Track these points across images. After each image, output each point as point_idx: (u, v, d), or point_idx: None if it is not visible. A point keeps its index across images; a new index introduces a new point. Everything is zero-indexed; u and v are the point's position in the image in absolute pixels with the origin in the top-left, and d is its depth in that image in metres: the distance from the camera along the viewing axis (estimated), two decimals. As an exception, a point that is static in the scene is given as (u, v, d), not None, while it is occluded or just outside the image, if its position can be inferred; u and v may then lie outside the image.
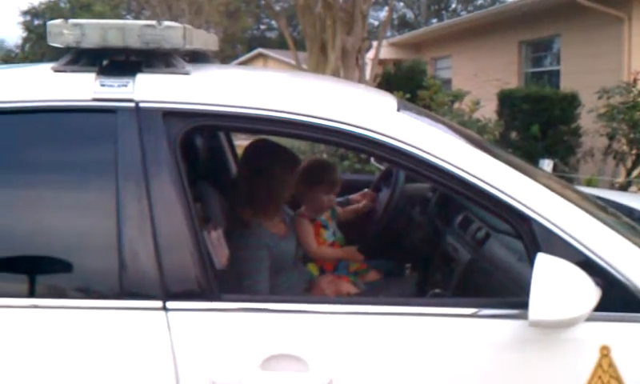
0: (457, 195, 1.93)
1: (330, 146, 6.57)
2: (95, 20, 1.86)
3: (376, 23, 29.58)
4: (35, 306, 1.77)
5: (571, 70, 11.26)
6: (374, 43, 12.48)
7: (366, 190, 3.55)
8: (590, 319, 1.68)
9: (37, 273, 1.84)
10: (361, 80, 10.71)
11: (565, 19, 11.23)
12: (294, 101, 1.89)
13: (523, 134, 9.51)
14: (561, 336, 1.72)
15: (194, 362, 1.71)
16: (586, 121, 9.07)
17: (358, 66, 11.14)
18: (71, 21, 1.82)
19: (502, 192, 1.80)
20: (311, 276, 2.85)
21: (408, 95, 7.69)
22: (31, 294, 1.81)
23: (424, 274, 2.94)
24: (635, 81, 8.38)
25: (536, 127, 9.24)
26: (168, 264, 1.75)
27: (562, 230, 1.77)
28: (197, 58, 2.30)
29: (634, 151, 8.25)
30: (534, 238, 1.77)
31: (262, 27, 41.37)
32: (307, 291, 2.70)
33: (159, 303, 1.74)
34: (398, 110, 1.99)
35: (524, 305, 1.66)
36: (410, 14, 41.60)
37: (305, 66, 11.78)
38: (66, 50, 1.90)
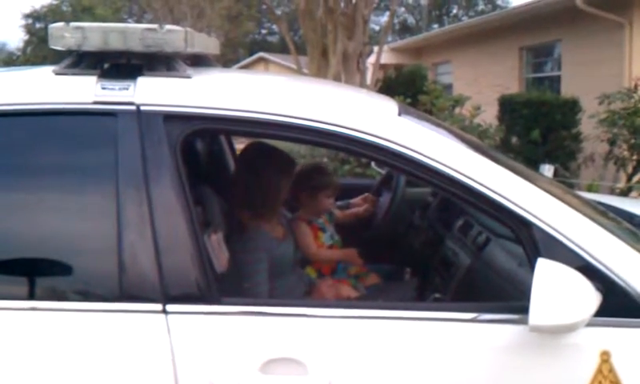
0: (457, 200, 1.93)
1: (330, 149, 6.58)
2: (97, 23, 1.86)
3: (377, 28, 29.64)
4: (34, 309, 1.77)
5: (572, 75, 11.27)
6: (375, 48, 12.49)
7: (366, 194, 3.55)
8: (590, 324, 1.68)
9: (36, 275, 1.84)
10: (362, 84, 10.72)
11: (566, 25, 11.24)
12: (295, 105, 1.90)
13: (524, 139, 9.51)
14: (561, 341, 1.71)
15: (194, 365, 1.71)
16: (587, 126, 9.07)
17: (359, 71, 11.14)
18: (73, 24, 1.83)
19: (503, 197, 1.80)
20: (310, 279, 2.85)
21: (409, 100, 7.69)
22: (31, 296, 1.81)
23: (424, 279, 2.94)
24: (636, 86, 8.39)
25: (537, 132, 9.24)
26: (168, 267, 1.75)
27: (563, 235, 1.76)
28: (198, 61, 2.30)
29: (634, 157, 8.25)
30: (534, 242, 1.77)
31: (264, 31, 41.44)
32: (307, 295, 2.70)
33: (159, 306, 1.74)
34: (399, 115, 1.99)
35: (524, 310, 1.65)
36: (411, 19, 41.67)
37: (306, 71, 11.78)
38: (68, 53, 1.90)
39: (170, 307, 1.74)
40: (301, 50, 13.77)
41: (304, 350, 1.72)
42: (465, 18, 33.48)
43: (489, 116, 9.44)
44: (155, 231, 1.76)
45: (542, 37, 12.31)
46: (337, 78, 10.42)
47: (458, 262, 2.67)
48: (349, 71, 10.87)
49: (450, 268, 2.70)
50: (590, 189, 7.41)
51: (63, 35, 1.82)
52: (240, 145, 3.12)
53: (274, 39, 39.36)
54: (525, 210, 1.78)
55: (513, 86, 12.77)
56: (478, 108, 8.57)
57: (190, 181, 1.85)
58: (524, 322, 1.67)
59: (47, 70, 1.95)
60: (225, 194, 2.67)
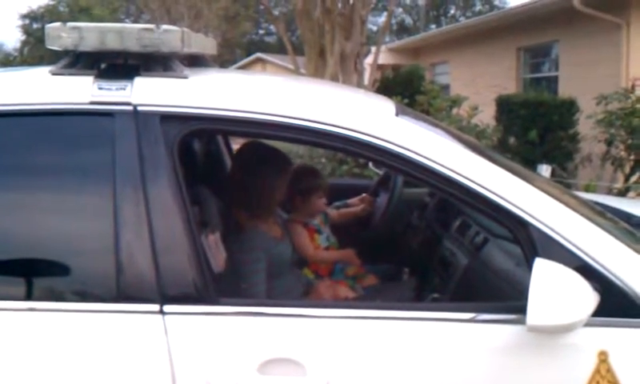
0: (455, 200, 1.93)
1: (328, 150, 6.58)
2: (93, 23, 1.86)
3: (375, 28, 29.63)
4: (32, 309, 1.76)
5: (569, 75, 11.28)
6: (373, 48, 12.49)
7: (364, 194, 3.55)
8: (588, 324, 1.68)
9: (34, 276, 1.83)
10: (359, 85, 10.71)
11: (563, 25, 11.26)
12: (292, 105, 1.89)
13: (521, 139, 9.52)
14: (559, 341, 1.71)
15: (191, 365, 1.71)
16: (584, 127, 9.09)
17: (357, 71, 11.14)
18: (69, 24, 1.82)
19: (500, 197, 1.80)
20: (308, 280, 2.85)
21: (406, 100, 7.69)
22: (28, 296, 1.81)
23: (422, 279, 2.94)
24: (633, 87, 8.42)
25: (534, 133, 9.25)
26: (165, 267, 1.75)
27: (561, 235, 1.76)
28: (195, 61, 2.29)
29: (632, 157, 8.26)
30: (532, 242, 1.77)
31: (261, 32, 41.44)
32: (305, 295, 2.69)
33: (156, 307, 1.73)
34: (397, 115, 1.99)
35: (522, 310, 1.65)
36: (408, 20, 41.71)
37: (303, 71, 11.78)
38: (65, 53, 1.90)
39: (167, 308, 1.73)
40: (298, 50, 13.77)
41: (302, 350, 1.72)
42: (462, 19, 33.51)
43: (486, 116, 9.45)
44: (152, 231, 1.75)
45: (540, 37, 12.33)
46: (334, 79, 10.42)
47: (455, 262, 2.67)
48: (346, 72, 10.87)
49: (447, 268, 2.70)
50: (587, 189, 7.42)
51: (60, 35, 1.82)
52: (237, 145, 3.12)
53: (271, 40, 39.35)
54: (522, 210, 1.78)
55: (510, 86, 12.79)
56: (475, 108, 8.58)
57: (187, 181, 1.85)
58: (522, 322, 1.67)
59: (44, 71, 1.94)
60: (222, 194, 2.66)
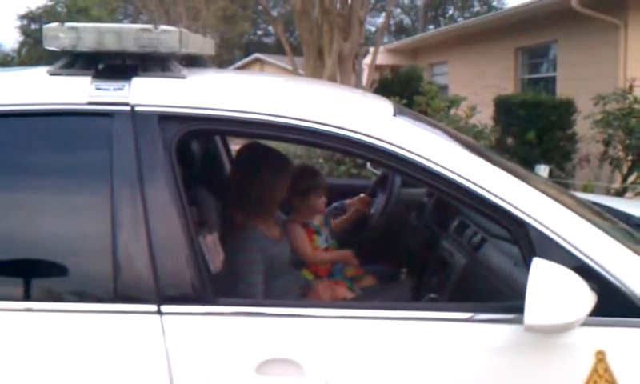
0: (453, 200, 1.93)
1: (326, 150, 6.58)
2: (91, 24, 1.86)
3: (373, 29, 29.64)
4: (29, 310, 1.76)
5: (567, 76, 11.29)
6: (371, 49, 12.50)
7: (362, 194, 3.55)
8: (585, 324, 1.68)
9: (31, 276, 1.83)
10: (357, 85, 10.72)
11: (561, 26, 11.27)
12: (290, 105, 1.89)
13: (519, 139, 9.53)
14: (556, 341, 1.72)
15: (189, 365, 1.71)
16: (582, 127, 9.09)
17: (355, 72, 11.15)
18: (67, 24, 1.82)
19: (498, 197, 1.80)
20: (306, 281, 2.85)
21: (405, 101, 7.69)
22: (25, 297, 1.80)
23: (420, 279, 2.94)
24: (631, 87, 8.41)
25: (532, 133, 9.26)
26: (163, 268, 1.75)
27: (558, 235, 1.77)
28: (193, 62, 2.29)
29: (629, 157, 8.27)
30: (529, 242, 1.77)
31: (259, 32, 41.42)
32: (303, 296, 2.69)
33: (154, 307, 1.73)
34: (395, 115, 1.99)
35: (519, 309, 1.66)
36: (407, 20, 41.73)
37: (302, 72, 11.78)
38: (62, 53, 1.90)
39: (164, 308, 1.73)
40: (296, 51, 13.78)
41: (300, 350, 1.72)
42: (460, 19, 33.54)
43: (484, 117, 9.45)
44: (150, 232, 1.75)
45: (538, 38, 12.33)
46: (332, 79, 10.42)
47: (453, 262, 2.67)
48: (344, 72, 10.87)
49: (445, 268, 2.70)
50: (585, 189, 7.43)
51: (58, 36, 1.82)
52: (236, 146, 3.12)
53: (269, 40, 39.34)
54: (520, 210, 1.79)
55: (508, 86, 12.79)
56: (473, 109, 8.58)
57: (184, 181, 1.85)
58: (519, 321, 1.67)
59: (42, 71, 1.94)
60: (220, 194, 2.66)
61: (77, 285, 1.83)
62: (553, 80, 12.00)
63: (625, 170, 8.35)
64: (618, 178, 8.47)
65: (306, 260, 2.94)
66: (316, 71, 11.06)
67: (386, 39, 22.36)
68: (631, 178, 8.25)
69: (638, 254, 1.80)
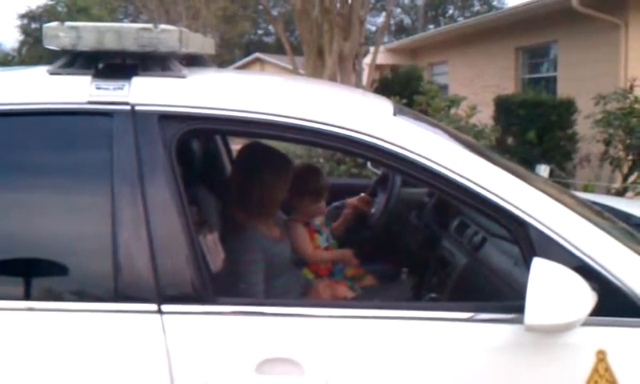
0: (453, 200, 1.93)
1: (326, 149, 6.58)
2: (91, 23, 1.85)
3: (373, 29, 29.64)
4: (31, 309, 1.76)
5: (568, 76, 11.28)
6: (372, 48, 12.49)
7: (362, 194, 3.55)
8: (586, 324, 1.68)
9: (32, 275, 1.83)
10: (358, 85, 10.71)
11: (562, 26, 11.26)
12: (290, 105, 1.89)
13: (520, 139, 9.52)
14: (557, 340, 1.71)
15: (189, 365, 1.71)
16: (583, 127, 9.09)
17: (355, 71, 11.15)
18: (67, 23, 1.82)
19: (499, 196, 1.80)
20: (307, 280, 2.85)
21: (405, 100, 7.69)
22: (27, 296, 1.80)
23: (420, 279, 2.94)
24: (632, 87, 8.41)
25: (532, 133, 9.26)
26: (163, 267, 1.75)
27: (559, 235, 1.76)
28: (193, 61, 2.29)
29: (630, 157, 8.27)
30: (530, 242, 1.77)
31: (260, 32, 41.42)
32: (304, 295, 2.69)
33: (154, 306, 1.73)
34: (395, 115, 1.99)
35: (520, 309, 1.66)
36: (407, 20, 41.72)
37: (302, 71, 11.78)
38: (63, 52, 1.90)
39: (165, 307, 1.73)
40: (297, 50, 13.77)
41: (300, 349, 1.72)
42: (461, 19, 33.53)
43: (485, 116, 9.45)
44: (150, 231, 1.75)
45: (538, 37, 12.33)
46: (333, 79, 10.42)
47: (454, 261, 2.67)
48: (345, 72, 10.87)
49: (446, 268, 2.70)
50: (585, 189, 7.43)
51: (58, 35, 1.81)
52: (236, 145, 3.12)
53: (270, 40, 39.33)
54: (520, 209, 1.78)
55: (509, 86, 12.78)
56: (473, 108, 8.58)
57: (185, 181, 1.85)
58: (520, 321, 1.67)
59: (42, 70, 1.94)
60: (220, 193, 2.66)
61: (77, 284, 1.83)
62: (553, 80, 12.00)
63: (625, 169, 8.35)
64: (619, 177, 8.47)
65: (307, 259, 2.93)
66: (316, 71, 11.06)
67: (386, 39, 22.37)
68: (632, 178, 8.25)
69: (639, 254, 1.80)
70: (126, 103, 1.83)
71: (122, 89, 1.84)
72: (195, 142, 2.82)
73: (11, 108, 1.88)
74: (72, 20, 1.98)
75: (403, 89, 12.06)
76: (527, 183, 1.86)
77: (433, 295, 2.54)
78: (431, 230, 3.16)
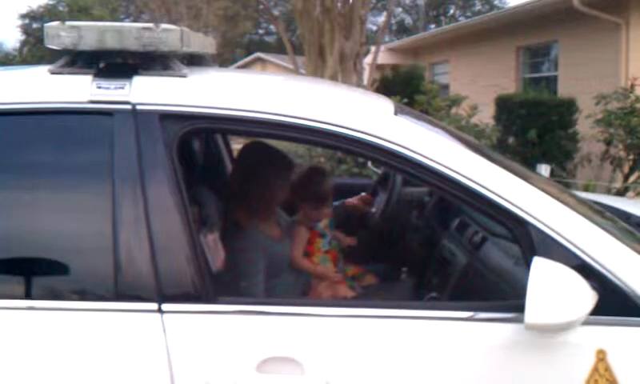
0: (454, 199, 1.93)
1: (327, 149, 6.58)
2: (92, 22, 1.86)
3: (374, 28, 29.64)
4: (31, 308, 1.77)
5: (569, 75, 11.29)
6: (373, 48, 12.49)
7: (362, 193, 3.55)
8: (586, 323, 1.68)
9: (33, 275, 1.83)
10: (359, 84, 10.71)
11: (562, 25, 11.26)
12: (291, 104, 1.89)
13: (521, 138, 9.52)
14: (557, 340, 1.72)
15: (190, 364, 1.71)
16: (584, 126, 9.09)
17: (356, 71, 11.13)
18: (68, 23, 1.82)
19: (499, 196, 1.80)
20: (307, 279, 2.84)
21: (406, 100, 7.68)
22: (28, 295, 1.81)
23: (421, 278, 2.94)
24: (632, 86, 8.42)
25: (533, 132, 9.25)
26: (163, 266, 1.75)
27: (559, 234, 1.77)
28: (194, 61, 2.30)
29: (631, 156, 8.28)
30: (530, 241, 1.77)
31: (261, 32, 41.40)
32: (304, 294, 2.69)
33: (154, 305, 1.73)
34: (395, 114, 1.99)
35: (520, 308, 1.66)
36: (408, 20, 41.69)
37: (303, 71, 11.78)
38: (64, 52, 1.90)
39: (165, 306, 1.74)
40: (298, 50, 13.76)
41: (301, 349, 1.72)
42: (462, 18, 33.53)
43: (486, 116, 9.45)
44: (151, 230, 1.75)
45: (539, 37, 12.33)
46: (334, 78, 10.41)
47: (454, 261, 2.67)
48: (346, 71, 10.86)
49: (446, 267, 2.70)
50: (586, 188, 7.42)
51: (59, 34, 1.82)
52: (237, 144, 3.12)
53: (271, 39, 39.32)
54: (521, 208, 1.79)
55: (510, 86, 12.79)
56: (474, 108, 8.58)
57: (186, 180, 1.85)
58: (520, 320, 1.67)
59: (43, 70, 1.95)
60: (221, 193, 2.66)
61: (78, 283, 1.83)
62: (554, 79, 12.00)
63: (626, 169, 8.35)
64: (619, 177, 8.46)
65: (291, 263, 2.88)
66: (317, 70, 11.05)
67: (387, 38, 22.37)
68: (632, 178, 8.25)
69: (639, 253, 1.80)
70: (127, 102, 1.83)
71: (123, 88, 1.84)
72: (196, 142, 2.83)
73: (12, 107, 1.88)
74: (73, 19, 1.98)
75: (404, 88, 12.08)
76: (528, 182, 1.86)
77: (433, 294, 2.54)
78: (432, 229, 3.16)
